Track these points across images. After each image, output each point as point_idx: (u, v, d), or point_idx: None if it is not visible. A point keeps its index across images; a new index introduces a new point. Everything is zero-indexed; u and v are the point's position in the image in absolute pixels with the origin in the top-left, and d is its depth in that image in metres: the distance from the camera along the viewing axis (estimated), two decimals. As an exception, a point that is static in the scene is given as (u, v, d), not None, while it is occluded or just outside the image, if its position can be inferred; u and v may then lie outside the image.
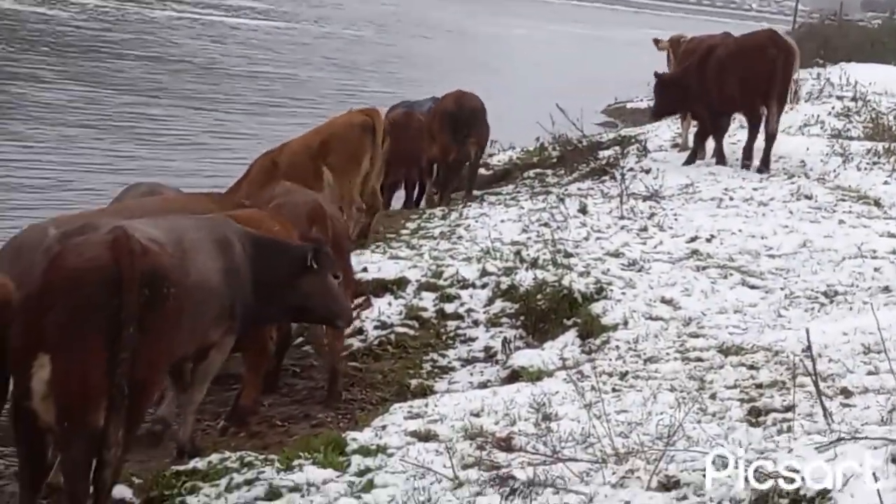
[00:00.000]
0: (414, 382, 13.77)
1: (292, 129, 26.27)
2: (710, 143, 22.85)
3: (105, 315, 8.70)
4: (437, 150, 23.41)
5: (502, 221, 19.51)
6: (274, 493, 9.64)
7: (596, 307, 14.40)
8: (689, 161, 22.89)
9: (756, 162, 21.88)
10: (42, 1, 66.58)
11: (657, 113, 24.85)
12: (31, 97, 34.90)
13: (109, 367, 8.69)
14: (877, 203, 18.89)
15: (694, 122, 23.76)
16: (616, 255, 16.65)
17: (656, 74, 24.06)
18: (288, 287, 11.69)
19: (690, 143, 23.59)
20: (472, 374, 13.89)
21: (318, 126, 18.87)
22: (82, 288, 8.77)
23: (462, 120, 23.23)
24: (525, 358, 13.55)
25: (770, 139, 22.10)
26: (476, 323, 15.51)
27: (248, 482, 10.08)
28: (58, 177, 24.93)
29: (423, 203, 24.18)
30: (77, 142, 29.21)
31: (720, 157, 22.77)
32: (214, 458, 10.87)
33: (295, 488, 9.62)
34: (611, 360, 12.56)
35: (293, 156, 16.85)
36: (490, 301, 15.87)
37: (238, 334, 11.72)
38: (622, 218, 18.72)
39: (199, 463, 10.78)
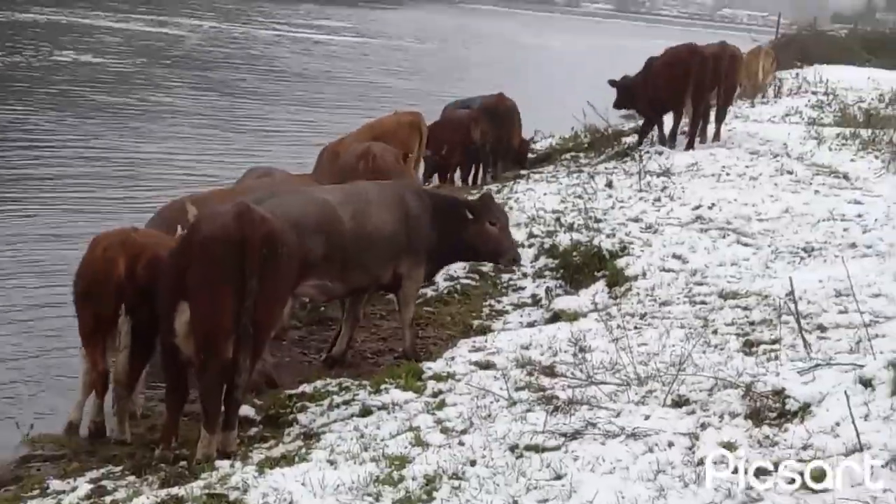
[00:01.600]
0: (476, 323, 13.79)
1: (360, 122, 26.47)
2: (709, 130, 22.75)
3: (232, 270, 8.85)
4: (481, 137, 23.38)
5: (545, 194, 19.45)
6: (366, 410, 9.70)
7: (620, 262, 14.37)
8: (639, 143, 23.39)
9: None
10: (164, 23, 66.78)
11: (616, 106, 24.88)
12: (156, 102, 34.96)
13: (236, 311, 8.87)
14: (845, 177, 18.71)
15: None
16: (636, 220, 16.60)
17: (610, 82, 24.16)
18: (457, 233, 12.28)
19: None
20: (521, 316, 13.88)
21: (371, 122, 18.82)
22: (214, 249, 8.92)
23: (499, 115, 23.60)
24: (564, 303, 13.55)
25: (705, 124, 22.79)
26: (524, 275, 15.52)
27: (346, 402, 10.17)
28: (185, 164, 24.99)
29: (479, 180, 24.10)
30: (197, 137, 29.25)
31: (662, 141, 23.15)
32: (319, 383, 10.97)
33: (383, 407, 9.68)
34: (632, 303, 12.54)
35: (350, 147, 16.75)
36: (535, 258, 15.89)
37: (432, 271, 12.76)
38: (640, 191, 18.64)
39: (307, 387, 10.88)
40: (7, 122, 28.20)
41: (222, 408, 9.31)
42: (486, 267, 15.72)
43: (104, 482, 8.91)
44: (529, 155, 25.91)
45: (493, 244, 12.31)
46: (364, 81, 48.67)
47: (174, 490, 7.91)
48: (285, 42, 65.27)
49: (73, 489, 8.77)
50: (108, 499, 8.16)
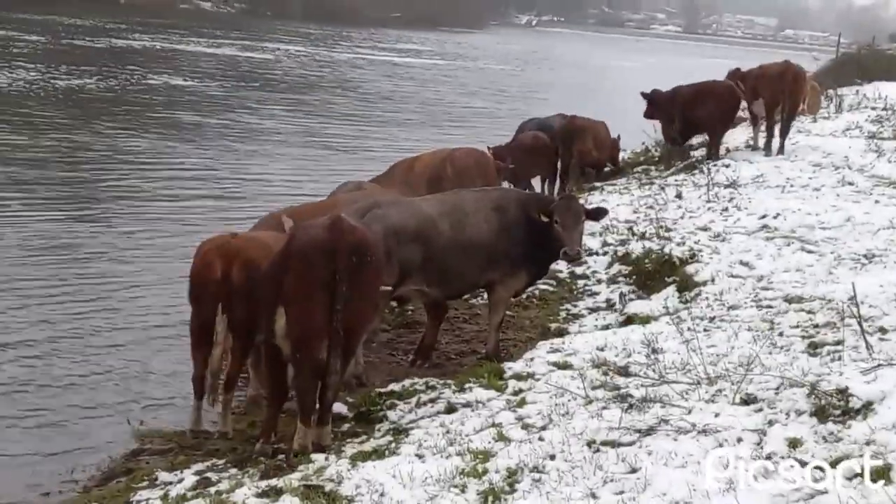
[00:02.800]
0: (553, 326, 13.78)
1: (447, 141, 26.50)
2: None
3: (324, 277, 8.93)
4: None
5: (618, 205, 19.41)
6: (451, 407, 9.74)
7: (690, 268, 14.28)
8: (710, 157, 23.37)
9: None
10: (253, 48, 67.32)
11: (646, 116, 24.90)
12: (247, 123, 35.27)
13: (328, 315, 8.93)
14: (903, 188, 18.53)
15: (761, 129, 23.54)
16: (704, 229, 16.50)
17: (643, 94, 24.39)
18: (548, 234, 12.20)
19: (760, 144, 23.34)
20: (596, 320, 13.84)
21: (443, 150, 18.66)
22: (308, 258, 9.03)
23: (564, 135, 23.70)
24: (637, 307, 13.52)
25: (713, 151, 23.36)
26: (599, 281, 15.53)
27: (432, 400, 10.20)
28: (278, 182, 25.21)
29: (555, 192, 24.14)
30: (288, 156, 29.50)
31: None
32: (407, 382, 11.02)
33: (467, 404, 9.71)
34: (702, 307, 12.45)
35: (422, 169, 16.82)
36: (609, 265, 15.90)
37: (537, 272, 12.79)
38: (709, 201, 18.53)
39: (395, 386, 10.93)
40: (106, 144, 28.61)
41: (316, 404, 9.38)
42: (563, 273, 15.72)
43: (209, 474, 9.01)
44: (605, 169, 25.84)
45: (557, 241, 12.25)
46: (445, 102, 48.77)
47: (273, 482, 7.98)
48: (369, 65, 65.74)
49: (180, 481, 8.89)
50: (212, 490, 8.24)
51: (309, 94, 46.00)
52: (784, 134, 22.58)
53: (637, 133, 26.65)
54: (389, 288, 11.05)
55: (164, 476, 9.21)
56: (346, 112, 40.61)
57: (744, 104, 23.95)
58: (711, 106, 22.78)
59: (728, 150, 23.85)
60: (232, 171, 26.19)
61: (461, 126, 38.37)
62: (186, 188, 23.58)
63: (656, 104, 23.94)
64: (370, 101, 45.32)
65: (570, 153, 23.67)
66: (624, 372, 9.79)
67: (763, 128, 23.38)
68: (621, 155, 28.41)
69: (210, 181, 24.57)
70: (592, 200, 20.41)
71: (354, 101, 44.74)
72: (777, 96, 22.07)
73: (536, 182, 23.54)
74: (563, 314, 14.43)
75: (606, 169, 25.56)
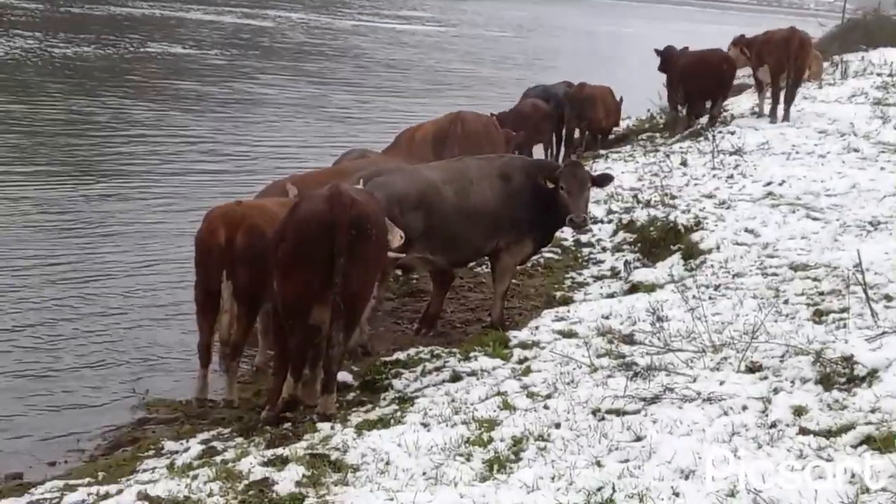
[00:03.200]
0: (558, 294, 13.78)
1: (445, 109, 26.36)
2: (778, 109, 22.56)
3: (322, 249, 8.98)
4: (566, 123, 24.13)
5: (623, 173, 19.39)
6: (456, 376, 9.77)
7: (695, 236, 14.28)
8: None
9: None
10: (253, 15, 66.82)
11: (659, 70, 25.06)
12: (248, 92, 34.96)
13: (325, 285, 9.00)
14: (909, 154, 18.48)
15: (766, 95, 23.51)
16: (709, 196, 16.48)
17: (656, 51, 24.90)
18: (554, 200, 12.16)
19: (766, 111, 23.32)
20: (601, 288, 13.84)
21: (443, 117, 18.69)
22: (307, 229, 9.10)
23: (575, 102, 23.85)
24: (642, 275, 13.50)
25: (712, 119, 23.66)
26: (604, 249, 15.56)
27: (437, 369, 10.24)
28: (278, 150, 25.07)
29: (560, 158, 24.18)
30: (291, 125, 29.29)
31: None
32: (412, 351, 11.09)
33: (472, 373, 9.73)
34: (707, 275, 12.45)
35: (424, 135, 16.89)
36: (614, 232, 15.93)
37: (543, 239, 12.75)
38: (714, 168, 18.51)
39: (400, 355, 10.97)
40: (107, 113, 28.21)
41: (306, 366, 9.60)
42: (568, 241, 15.72)
43: (214, 443, 9.04)
44: (610, 136, 25.92)
45: (562, 208, 12.20)
46: (447, 69, 48.49)
47: (279, 450, 7.98)
48: (371, 32, 64.98)
49: (186, 450, 8.91)
50: (218, 458, 8.25)
51: (309, 61, 45.50)
52: (789, 101, 22.54)
53: (642, 100, 26.59)
54: (402, 255, 11.04)
55: (169, 445, 9.25)
56: (346, 80, 40.35)
57: (748, 71, 23.95)
58: (706, 77, 23.24)
59: (732, 117, 23.78)
60: (235, 140, 25.93)
61: (464, 94, 38.13)
62: (190, 158, 23.37)
63: (667, 62, 24.31)
64: (371, 69, 44.90)
65: (581, 120, 23.84)
66: (629, 340, 9.80)
67: (768, 94, 23.30)
68: (627, 122, 28.50)
69: (213, 151, 24.33)
70: (597, 168, 20.42)
71: (355, 69, 44.32)
72: (782, 63, 22.03)
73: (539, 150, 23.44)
74: (568, 282, 14.44)
75: (611, 136, 25.64)
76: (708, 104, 24.10)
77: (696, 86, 23.57)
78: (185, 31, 52.48)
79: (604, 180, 12.76)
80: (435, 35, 68.87)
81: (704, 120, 24.13)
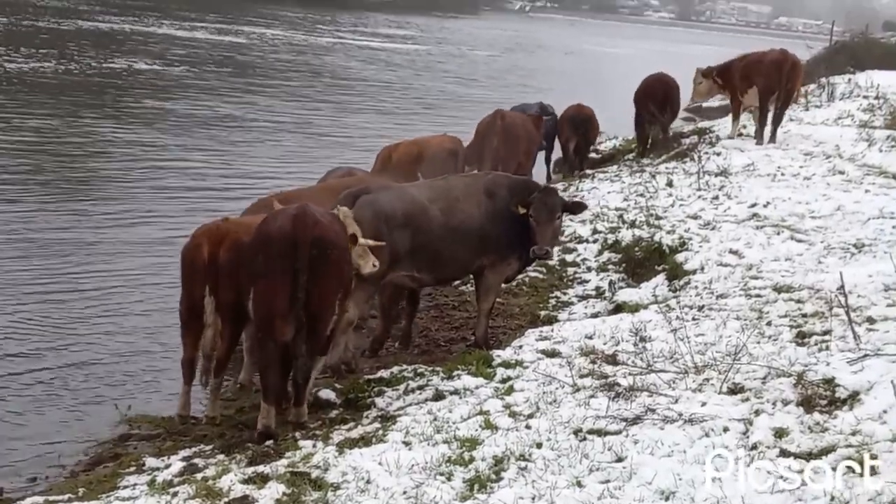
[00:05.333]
0: (542, 313, 13.81)
1: (425, 129, 26.21)
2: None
3: (286, 264, 9.29)
4: (562, 141, 24.59)
5: (609, 192, 19.46)
6: (439, 395, 9.78)
7: (679, 257, 14.31)
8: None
9: None
10: (227, 31, 66.30)
11: None
12: (221, 109, 34.21)
13: (291, 300, 9.29)
14: (894, 177, 18.52)
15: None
16: (694, 217, 16.50)
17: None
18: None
19: (735, 134, 23.51)
20: (586, 307, 13.86)
21: (420, 138, 18.99)
22: (272, 245, 9.42)
23: (578, 122, 24.33)
24: (626, 295, 13.54)
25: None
26: (589, 269, 15.57)
27: (420, 387, 10.25)
28: (258, 168, 24.83)
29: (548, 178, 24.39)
30: (266, 142, 28.98)
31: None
32: (395, 369, 11.09)
33: (455, 392, 9.74)
34: (691, 296, 12.47)
35: (400, 156, 17.28)
36: (599, 252, 15.94)
37: (526, 261, 12.66)
38: (699, 189, 18.52)
39: (384, 373, 10.98)
40: (74, 131, 27.43)
41: (280, 384, 9.81)
42: (553, 261, 15.72)
43: (196, 460, 9.02)
44: (594, 155, 26.15)
45: (531, 235, 12.21)
46: (428, 89, 48.28)
47: (260, 468, 7.99)
48: (350, 50, 64.62)
49: (167, 466, 8.89)
50: (199, 476, 8.24)
51: (284, 79, 44.86)
52: (777, 122, 22.56)
53: (628, 120, 26.58)
54: (382, 243, 11.04)
55: (151, 462, 9.23)
56: (324, 99, 39.92)
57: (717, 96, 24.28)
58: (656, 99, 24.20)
59: (718, 139, 23.86)
60: (213, 159, 25.55)
61: (444, 113, 37.99)
62: (168, 177, 22.91)
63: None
64: (349, 88, 44.41)
65: (584, 139, 24.63)
66: (612, 360, 9.80)
67: (751, 118, 23.36)
68: (614, 142, 28.72)
69: (190, 171, 23.89)
70: (583, 188, 20.48)
71: (332, 88, 44.00)
72: (773, 85, 22.01)
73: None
74: (552, 301, 14.46)
75: (597, 156, 25.89)
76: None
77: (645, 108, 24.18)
78: (157, 47, 51.56)
79: (576, 208, 12.76)
80: (414, 54, 68.67)
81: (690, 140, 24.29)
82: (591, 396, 8.61)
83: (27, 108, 30.11)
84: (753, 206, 16.69)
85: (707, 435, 7.31)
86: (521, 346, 11.05)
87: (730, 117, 24.72)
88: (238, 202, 16.34)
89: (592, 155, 26.85)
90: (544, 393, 9.02)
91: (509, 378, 9.83)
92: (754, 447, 7.01)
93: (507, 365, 10.31)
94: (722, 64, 23.58)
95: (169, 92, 37.14)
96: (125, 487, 8.51)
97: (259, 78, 45.16)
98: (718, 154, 21.41)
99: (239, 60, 51.61)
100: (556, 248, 12.78)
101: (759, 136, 22.58)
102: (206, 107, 34.44)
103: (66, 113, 30.03)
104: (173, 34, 60.36)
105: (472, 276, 12.79)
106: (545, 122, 23.06)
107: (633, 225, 16.54)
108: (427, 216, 11.70)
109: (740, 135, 23.97)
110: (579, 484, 6.80)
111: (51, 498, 8.43)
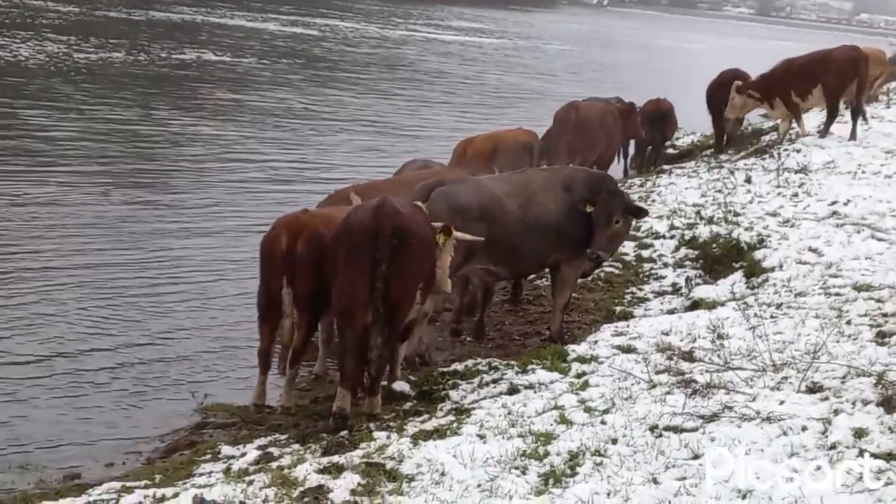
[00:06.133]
0: (618, 309, 13.76)
1: (500, 123, 26.03)
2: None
3: (367, 255, 9.42)
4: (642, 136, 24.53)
5: (686, 188, 19.35)
6: (514, 389, 9.75)
7: (758, 254, 14.18)
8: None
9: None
10: (300, 23, 66.03)
11: None
12: (292, 102, 34.27)
13: (370, 290, 9.45)
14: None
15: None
16: (773, 214, 16.36)
17: None
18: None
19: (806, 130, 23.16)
20: (662, 304, 13.80)
21: (495, 132, 19.02)
22: (354, 237, 9.59)
23: (657, 117, 24.59)
24: (703, 291, 13.44)
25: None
26: (665, 265, 15.46)
27: (495, 381, 10.23)
28: (330, 161, 24.94)
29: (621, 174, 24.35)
30: (338, 135, 28.99)
31: None
32: (470, 362, 11.10)
33: (529, 386, 9.70)
34: (769, 294, 12.35)
35: (475, 149, 17.36)
36: (676, 248, 15.83)
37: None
38: (778, 186, 18.36)
39: (458, 366, 10.99)
40: (138, 119, 27.72)
41: (357, 370, 9.82)
42: (629, 256, 15.68)
43: (271, 449, 9.07)
44: (671, 151, 26.06)
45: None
46: (501, 82, 48.07)
47: (335, 458, 8.02)
48: (426, 43, 64.05)
49: (243, 455, 8.95)
50: (274, 464, 8.28)
51: (356, 72, 44.93)
52: (855, 118, 22.23)
53: (706, 116, 26.38)
54: (480, 238, 11.15)
55: (226, 450, 9.29)
56: (395, 92, 39.80)
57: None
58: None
59: (797, 136, 23.62)
60: (285, 153, 25.63)
61: (516, 107, 37.91)
62: (239, 170, 23.09)
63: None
64: (423, 81, 44.54)
65: (661, 134, 24.93)
66: (688, 357, 9.73)
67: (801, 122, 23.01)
68: (692, 138, 28.62)
69: (264, 163, 23.99)
70: (660, 183, 20.36)
71: (404, 81, 43.96)
72: (845, 82, 21.70)
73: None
74: (628, 297, 14.39)
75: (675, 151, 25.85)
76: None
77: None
78: (228, 39, 51.60)
79: (638, 212, 12.73)
80: (489, 47, 68.43)
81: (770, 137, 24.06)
82: (668, 393, 8.54)
83: (98, 98, 30.26)
84: (833, 203, 16.51)
85: (785, 434, 7.23)
86: (596, 342, 11.01)
87: (809, 114, 24.46)
88: (313, 196, 16.34)
89: (669, 150, 26.78)
90: (619, 389, 8.97)
91: (584, 373, 9.79)
92: (833, 447, 6.93)
93: (582, 360, 10.27)
94: (757, 78, 23.16)
95: (240, 84, 37.30)
96: (201, 475, 8.57)
97: (331, 71, 45.21)
98: (798, 151, 21.19)
99: (312, 53, 51.57)
100: (610, 253, 12.69)
101: (825, 133, 22.27)
102: (277, 99, 34.58)
103: (136, 104, 30.22)
104: (245, 25, 60.54)
105: (547, 270, 12.77)
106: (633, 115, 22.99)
107: (710, 221, 16.41)
108: (503, 209, 11.69)
109: (820, 132, 23.73)
110: (655, 481, 6.76)
111: (127, 484, 8.51)
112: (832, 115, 22.35)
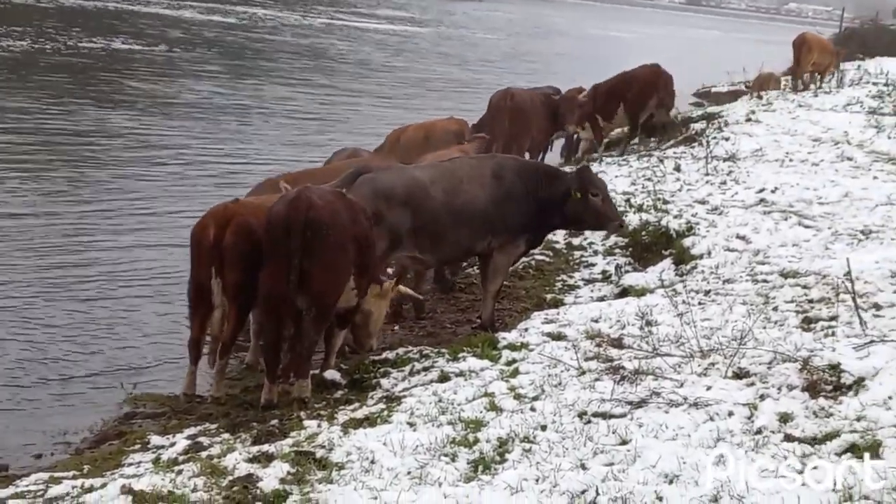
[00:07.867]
0: (548, 296, 13.81)
1: (430, 113, 25.88)
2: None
3: (283, 248, 9.64)
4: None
5: (616, 177, 19.43)
6: (444, 377, 9.75)
7: (686, 241, 14.31)
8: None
9: None
10: (217, 10, 64.35)
11: None
12: (209, 92, 33.34)
13: (287, 282, 9.66)
14: (902, 163, 18.51)
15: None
16: (702, 202, 16.52)
17: None
18: (558, 205, 12.28)
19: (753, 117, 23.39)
20: (592, 291, 13.88)
21: (427, 122, 19.14)
22: (272, 230, 9.75)
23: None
24: (632, 279, 13.53)
25: None
26: (595, 252, 15.57)
27: (426, 369, 10.24)
28: (255, 153, 24.44)
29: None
30: (262, 127, 28.54)
31: None
32: (401, 351, 11.10)
33: (460, 374, 9.71)
34: (697, 280, 12.46)
35: (407, 140, 17.54)
36: (606, 236, 15.87)
37: (534, 241, 12.79)
38: (707, 174, 18.54)
39: (389, 354, 10.99)
40: (52, 112, 26.40)
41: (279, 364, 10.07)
42: (560, 244, 15.73)
43: (201, 438, 9.01)
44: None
45: (598, 215, 12.26)
46: (429, 72, 47.59)
47: (265, 447, 7.99)
48: (345, 32, 63.17)
49: (172, 444, 8.89)
50: (203, 454, 8.24)
51: (276, 62, 44.45)
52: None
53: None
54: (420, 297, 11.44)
55: (156, 440, 9.23)
56: (320, 83, 39.09)
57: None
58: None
59: (727, 124, 23.82)
60: (210, 145, 25.00)
61: (445, 97, 37.63)
62: (161, 162, 22.52)
63: None
64: (344, 71, 43.90)
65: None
66: (618, 344, 9.80)
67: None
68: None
69: (189, 156, 23.41)
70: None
71: (328, 71, 43.27)
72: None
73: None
74: (559, 285, 14.45)
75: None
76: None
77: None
78: (142, 27, 49.92)
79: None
80: (416, 36, 67.94)
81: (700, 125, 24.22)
82: (597, 379, 8.61)
83: (2, 88, 29.14)
84: (761, 191, 16.69)
85: (712, 419, 7.30)
86: (526, 329, 11.06)
87: (738, 102, 24.71)
88: (236, 189, 16.15)
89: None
90: (549, 376, 9.02)
91: (514, 360, 9.83)
92: (759, 432, 7.00)
93: (512, 347, 10.31)
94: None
95: (157, 74, 36.04)
96: (130, 465, 8.51)
97: (252, 60, 44.53)
98: (727, 139, 21.43)
99: (232, 42, 50.60)
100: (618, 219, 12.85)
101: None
102: (196, 90, 33.70)
103: (45, 95, 28.74)
104: (161, 13, 58.72)
105: (478, 258, 12.79)
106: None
107: (640, 209, 16.52)
108: (428, 195, 11.67)
109: (749, 120, 23.96)
110: (583, 466, 6.80)
111: (55, 474, 8.42)
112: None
